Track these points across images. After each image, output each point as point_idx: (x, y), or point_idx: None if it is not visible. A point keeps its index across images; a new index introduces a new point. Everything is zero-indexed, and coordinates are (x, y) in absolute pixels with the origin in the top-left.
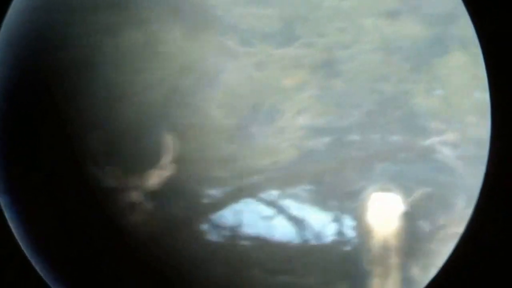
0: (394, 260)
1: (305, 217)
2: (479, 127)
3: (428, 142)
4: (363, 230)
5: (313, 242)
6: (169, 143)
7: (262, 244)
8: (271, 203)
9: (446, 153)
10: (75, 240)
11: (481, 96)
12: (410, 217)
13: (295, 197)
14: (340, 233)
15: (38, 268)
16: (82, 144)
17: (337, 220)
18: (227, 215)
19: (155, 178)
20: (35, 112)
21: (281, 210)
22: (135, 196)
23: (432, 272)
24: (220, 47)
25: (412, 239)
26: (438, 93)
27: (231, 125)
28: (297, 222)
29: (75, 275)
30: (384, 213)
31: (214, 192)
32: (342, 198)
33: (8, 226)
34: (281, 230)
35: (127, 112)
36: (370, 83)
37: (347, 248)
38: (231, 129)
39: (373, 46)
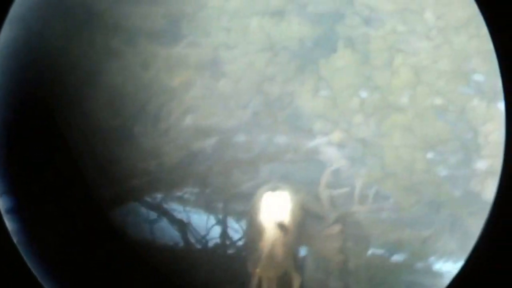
0: (283, 260)
1: (190, 219)
2: (365, 126)
3: (313, 142)
4: (249, 231)
5: (197, 245)
6: None
7: (147, 247)
8: (155, 206)
9: (332, 153)
10: None
11: (367, 95)
12: (298, 218)
13: (180, 199)
14: (225, 235)
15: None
16: None
17: (222, 222)
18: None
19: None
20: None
21: (165, 213)
22: None
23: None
24: (103, 46)
25: (302, 237)
26: (324, 93)
27: (116, 127)
28: (182, 225)
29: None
30: (271, 214)
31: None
32: (228, 200)
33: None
34: (165, 233)
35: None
36: (256, 83)
37: (232, 250)
38: (115, 130)
39: (258, 46)
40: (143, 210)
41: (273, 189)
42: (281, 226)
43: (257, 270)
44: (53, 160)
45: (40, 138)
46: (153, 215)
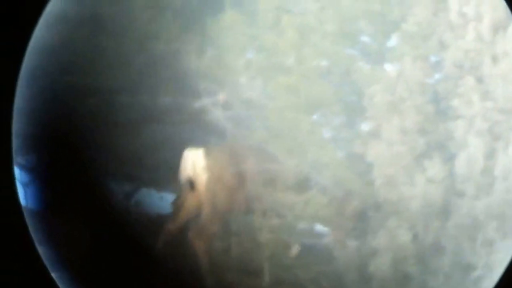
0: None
1: None
2: (251, 87)
3: (199, 103)
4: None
5: None
6: None
7: None
8: None
9: (217, 115)
10: None
11: (253, 56)
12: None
13: None
14: None
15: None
16: None
17: None
18: None
19: None
20: None
21: None
22: None
23: None
24: None
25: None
26: (210, 53)
27: None
28: None
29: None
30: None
31: None
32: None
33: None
34: None
35: None
36: (139, 41)
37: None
38: None
39: (141, 3)
40: None
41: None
42: (190, 183)
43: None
44: None
45: None
46: None
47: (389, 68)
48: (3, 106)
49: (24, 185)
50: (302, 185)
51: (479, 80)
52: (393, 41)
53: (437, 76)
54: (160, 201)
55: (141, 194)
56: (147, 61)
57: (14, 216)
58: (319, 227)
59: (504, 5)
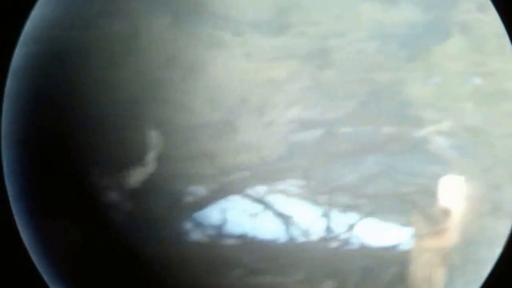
0: None
1: (293, 213)
2: (476, 114)
3: (422, 132)
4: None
5: (301, 239)
6: (152, 140)
7: (248, 243)
8: (257, 200)
9: (441, 143)
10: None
11: (480, 83)
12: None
13: (283, 192)
14: (329, 229)
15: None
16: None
17: (326, 215)
18: (211, 213)
19: (136, 176)
20: None
21: (268, 207)
22: (115, 195)
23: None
24: (207, 36)
25: None
26: (435, 80)
27: (217, 120)
28: (285, 218)
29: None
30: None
31: (198, 190)
32: (332, 192)
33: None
34: (268, 228)
35: (107, 108)
36: (364, 73)
37: (335, 244)
38: (216, 124)
39: (368, 33)
40: (244, 204)
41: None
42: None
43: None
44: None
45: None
46: (255, 209)
47: None
48: None
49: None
50: None
51: None
52: None
53: None
54: (384, 232)
55: (365, 224)
56: (371, 91)
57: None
58: None
59: None
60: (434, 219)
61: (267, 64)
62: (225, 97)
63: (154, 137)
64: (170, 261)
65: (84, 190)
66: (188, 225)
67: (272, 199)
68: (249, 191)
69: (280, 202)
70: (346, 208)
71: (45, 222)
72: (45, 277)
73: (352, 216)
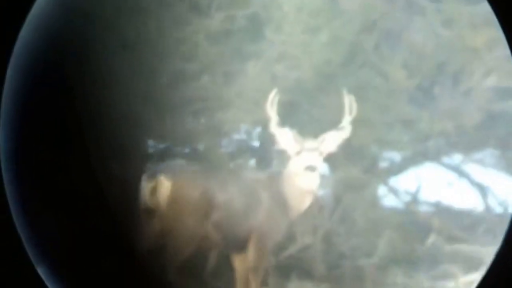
0: None
1: (490, 183)
2: None
3: None
4: None
5: (498, 210)
6: (348, 104)
7: (443, 210)
8: (453, 168)
9: None
10: None
11: None
12: None
13: (480, 162)
14: None
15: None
16: None
17: None
18: (406, 180)
19: (333, 140)
20: None
21: (463, 176)
22: (312, 158)
23: None
24: (406, 2)
25: None
26: None
27: (414, 86)
28: (481, 188)
29: None
30: None
31: (393, 156)
32: None
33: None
34: (463, 197)
35: (308, 72)
36: None
37: None
38: (413, 90)
39: None
40: (440, 172)
41: None
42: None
43: None
44: None
45: None
46: (450, 177)
47: None
48: None
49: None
50: None
51: None
52: None
53: None
54: None
55: None
56: None
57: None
58: None
59: None
60: None
61: (465, 32)
62: (421, 63)
63: (350, 102)
64: (360, 225)
65: None
66: (383, 191)
67: (468, 168)
68: (445, 159)
69: (476, 171)
70: None
71: None
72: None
73: None
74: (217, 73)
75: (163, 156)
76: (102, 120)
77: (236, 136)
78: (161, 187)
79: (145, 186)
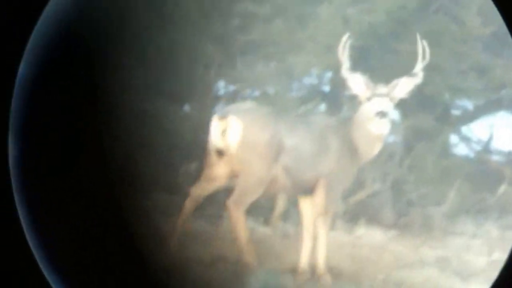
0: None
1: None
2: None
3: None
4: None
5: None
6: (422, 50)
7: None
8: None
9: None
10: None
11: None
12: None
13: None
14: None
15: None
16: None
17: None
18: (479, 128)
19: (405, 86)
20: None
21: None
22: (383, 104)
23: None
24: None
25: None
26: None
27: (488, 33)
28: None
29: None
30: None
31: (466, 104)
32: None
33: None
34: None
35: (381, 17)
36: None
37: None
38: (487, 37)
39: None
40: None
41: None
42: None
43: None
44: None
45: None
46: None
47: None
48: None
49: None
50: None
51: None
52: None
53: None
54: None
55: None
56: None
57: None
58: None
59: None
60: None
61: None
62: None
63: (424, 47)
64: (428, 172)
65: None
66: (455, 139)
67: None
68: None
69: None
70: None
71: None
72: None
73: None
74: (290, 16)
75: (234, 98)
76: (176, 60)
77: (307, 80)
78: (231, 128)
79: (216, 127)
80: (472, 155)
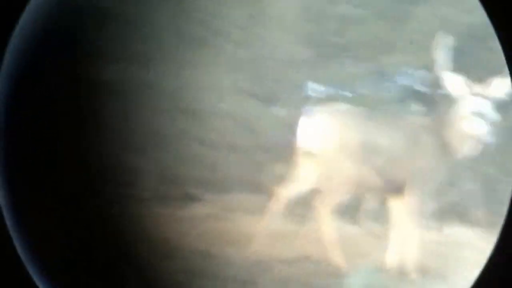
0: None
1: None
2: None
3: None
4: None
5: None
6: None
7: None
8: None
9: None
10: None
11: None
12: None
13: None
14: None
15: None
16: None
17: None
18: None
19: (502, 85)
20: None
21: None
22: (479, 103)
23: None
24: None
25: None
26: None
27: None
28: None
29: None
30: None
31: None
32: None
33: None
34: None
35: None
36: None
37: None
38: None
39: None
40: None
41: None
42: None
43: None
44: None
45: None
46: None
47: None
48: None
49: None
50: None
51: None
52: None
53: None
54: None
55: None
56: None
57: None
58: None
59: None
60: None
61: None
62: None
63: None
64: None
65: None
66: None
67: None
68: None
69: None
70: None
71: None
72: None
73: None
74: (384, 17)
75: (324, 98)
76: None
77: (400, 80)
78: (320, 129)
79: (305, 128)
80: None
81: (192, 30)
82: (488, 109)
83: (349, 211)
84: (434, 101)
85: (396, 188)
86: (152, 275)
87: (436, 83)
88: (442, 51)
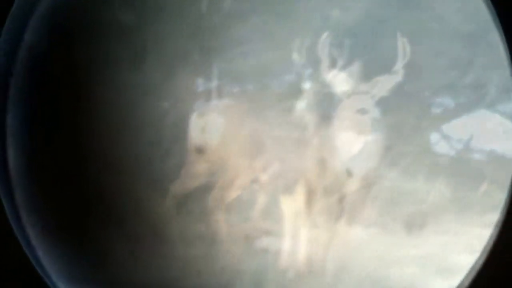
0: None
1: None
2: None
3: None
4: None
5: None
6: (402, 48)
7: (496, 159)
8: (509, 116)
9: None
10: None
11: None
12: None
13: None
14: None
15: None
16: None
17: None
18: (460, 127)
19: (385, 83)
20: None
21: None
22: (363, 101)
23: None
24: None
25: None
26: None
27: (469, 31)
28: None
29: None
30: None
31: (447, 101)
32: None
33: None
34: None
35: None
36: None
37: None
38: (467, 35)
39: None
40: (494, 120)
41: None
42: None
43: None
44: None
45: None
46: (505, 125)
47: None
48: None
49: None
50: None
51: None
52: None
53: None
54: None
55: None
56: None
57: None
58: None
59: None
60: None
61: None
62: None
63: (404, 45)
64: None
65: None
66: (435, 137)
67: None
68: (501, 107)
69: None
70: None
71: None
72: None
73: None
74: (268, 13)
75: (213, 95)
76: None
77: (287, 77)
78: (211, 126)
79: (195, 124)
80: (453, 153)
81: None
82: (372, 107)
83: (242, 207)
84: (320, 99)
85: (287, 187)
86: None
87: (321, 81)
88: (326, 50)
